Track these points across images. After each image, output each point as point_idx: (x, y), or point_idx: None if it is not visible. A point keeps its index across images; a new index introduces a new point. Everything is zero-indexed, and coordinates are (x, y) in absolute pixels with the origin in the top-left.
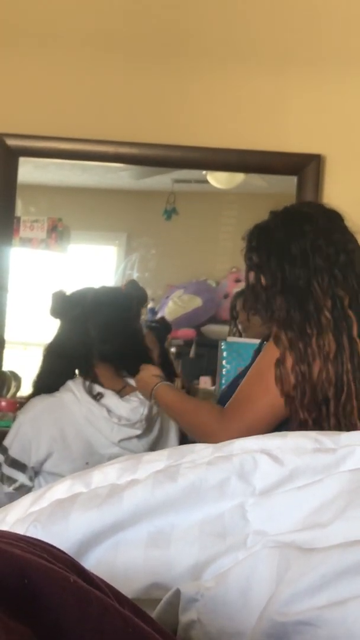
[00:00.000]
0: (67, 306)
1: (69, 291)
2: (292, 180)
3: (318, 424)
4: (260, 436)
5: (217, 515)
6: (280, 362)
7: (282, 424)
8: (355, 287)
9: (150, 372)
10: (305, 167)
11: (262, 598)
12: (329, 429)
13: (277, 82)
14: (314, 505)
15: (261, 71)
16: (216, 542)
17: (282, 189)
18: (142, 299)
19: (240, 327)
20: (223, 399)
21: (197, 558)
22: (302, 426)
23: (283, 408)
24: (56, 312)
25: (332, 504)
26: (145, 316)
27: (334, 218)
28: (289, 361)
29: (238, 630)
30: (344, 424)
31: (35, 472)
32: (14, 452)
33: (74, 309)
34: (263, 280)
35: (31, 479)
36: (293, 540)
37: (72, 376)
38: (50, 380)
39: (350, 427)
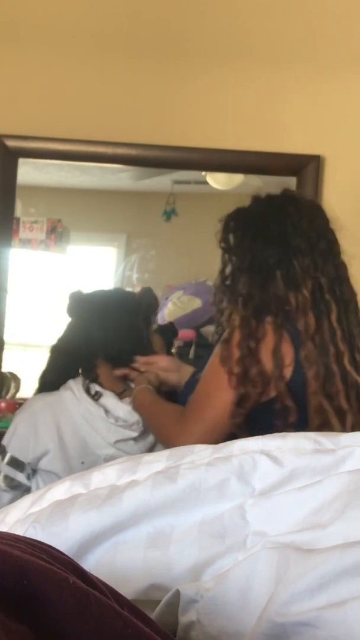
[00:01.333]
0: (79, 305)
1: (85, 291)
2: (292, 181)
3: (285, 407)
4: (260, 437)
5: (217, 516)
6: (226, 341)
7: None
8: (334, 275)
9: (145, 375)
10: (304, 168)
11: (261, 599)
12: (307, 411)
13: (276, 83)
14: (313, 506)
15: (260, 72)
16: (216, 543)
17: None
18: (152, 306)
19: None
20: (181, 398)
21: (197, 559)
22: (268, 411)
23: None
24: (69, 310)
25: (331, 504)
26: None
27: (318, 207)
28: (236, 338)
29: (237, 630)
30: (330, 407)
31: (33, 470)
32: (12, 450)
33: (85, 309)
34: (233, 262)
35: (29, 478)
36: (292, 541)
37: (75, 375)
38: (54, 378)
39: (337, 410)
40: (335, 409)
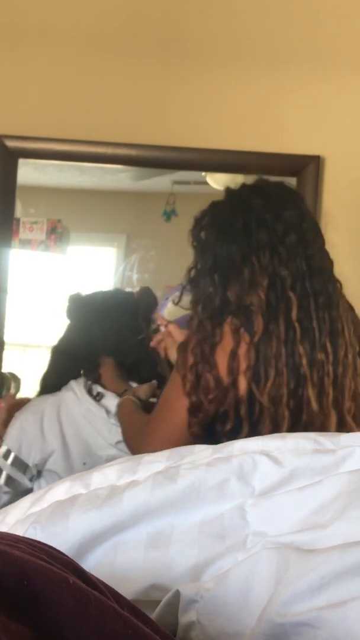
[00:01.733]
0: (78, 307)
1: (84, 293)
2: (292, 181)
3: (224, 413)
4: (260, 437)
5: (217, 516)
6: (182, 347)
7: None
8: (303, 269)
9: (136, 389)
10: (304, 168)
11: (261, 599)
12: (239, 419)
13: (275, 84)
14: (313, 506)
15: (260, 72)
16: (215, 543)
17: None
18: (151, 305)
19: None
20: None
21: (197, 559)
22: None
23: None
24: (68, 312)
25: (331, 505)
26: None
27: (291, 197)
28: (192, 343)
29: (237, 631)
30: (268, 414)
31: (38, 472)
32: (17, 451)
33: (84, 310)
34: (198, 261)
35: (32, 480)
36: (292, 541)
37: (76, 376)
38: (55, 380)
39: (276, 416)
40: (280, 415)
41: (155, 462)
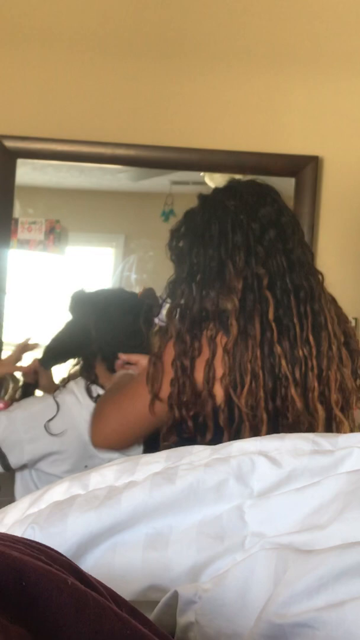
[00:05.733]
0: (80, 304)
1: (87, 290)
2: (290, 182)
3: (202, 424)
4: (259, 438)
5: (215, 517)
6: (156, 358)
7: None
8: (283, 265)
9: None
10: (303, 168)
11: (260, 600)
12: (217, 426)
13: (274, 84)
14: (312, 507)
15: (259, 73)
16: (214, 544)
17: (279, 190)
18: (152, 308)
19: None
20: None
21: (195, 560)
22: (177, 427)
23: (148, 415)
24: (70, 309)
25: (330, 505)
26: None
27: (266, 193)
28: (169, 356)
29: (236, 631)
30: (247, 419)
31: (24, 465)
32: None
33: (85, 307)
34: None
35: (6, 468)
36: (291, 542)
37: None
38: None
39: (255, 421)
40: (259, 419)
41: (153, 462)
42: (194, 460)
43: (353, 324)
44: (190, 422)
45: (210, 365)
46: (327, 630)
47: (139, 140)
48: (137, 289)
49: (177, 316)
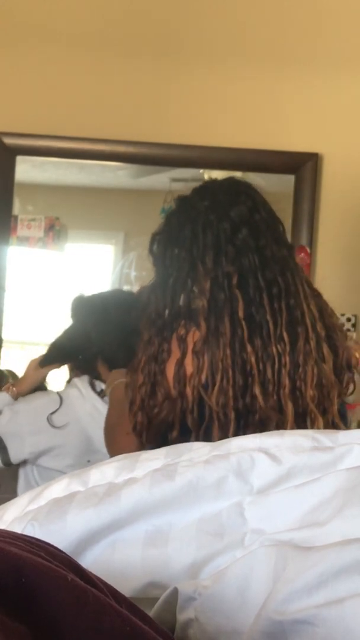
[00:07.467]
0: (78, 308)
1: (86, 294)
2: (290, 179)
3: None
4: (258, 435)
5: (215, 513)
6: (132, 367)
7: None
8: (255, 263)
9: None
10: (302, 165)
11: (259, 596)
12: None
13: (274, 81)
14: (311, 504)
15: (259, 70)
16: (214, 541)
17: (279, 187)
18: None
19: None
20: None
21: (195, 557)
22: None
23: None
24: (71, 314)
25: (329, 502)
26: None
27: (241, 190)
28: (141, 361)
29: (235, 628)
30: (217, 417)
31: (26, 462)
32: (4, 435)
33: (84, 311)
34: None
35: (6, 464)
36: (291, 539)
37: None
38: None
39: (224, 420)
40: (228, 417)
41: (153, 459)
42: (194, 457)
43: (353, 321)
44: (156, 421)
45: (180, 365)
46: (327, 627)
47: (139, 137)
48: (137, 287)
49: (149, 322)
